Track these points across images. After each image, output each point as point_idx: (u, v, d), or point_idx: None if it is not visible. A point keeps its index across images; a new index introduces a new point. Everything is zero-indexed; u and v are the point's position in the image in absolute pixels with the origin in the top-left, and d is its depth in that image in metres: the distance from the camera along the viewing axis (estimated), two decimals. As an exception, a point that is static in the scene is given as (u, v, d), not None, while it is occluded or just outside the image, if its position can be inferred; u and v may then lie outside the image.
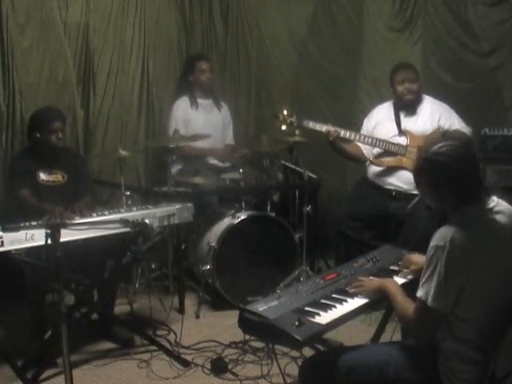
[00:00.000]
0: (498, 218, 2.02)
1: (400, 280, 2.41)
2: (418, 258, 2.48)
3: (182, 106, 4.62)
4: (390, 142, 4.01)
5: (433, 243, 1.96)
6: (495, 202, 2.06)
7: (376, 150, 4.10)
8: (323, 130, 4.02)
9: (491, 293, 1.96)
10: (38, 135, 3.50)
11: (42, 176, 3.56)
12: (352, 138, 4.06)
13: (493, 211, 2.02)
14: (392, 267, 2.57)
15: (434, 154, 2.02)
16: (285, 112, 4.08)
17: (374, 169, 4.13)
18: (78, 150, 4.39)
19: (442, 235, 1.95)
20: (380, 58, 4.96)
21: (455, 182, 2.00)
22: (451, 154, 1.99)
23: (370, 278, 2.41)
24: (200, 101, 4.67)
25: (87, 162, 4.22)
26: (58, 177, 3.61)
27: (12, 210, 3.70)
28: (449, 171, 1.99)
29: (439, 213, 2.05)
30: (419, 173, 2.08)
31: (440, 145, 2.02)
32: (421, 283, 1.99)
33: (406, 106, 4.08)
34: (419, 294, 1.99)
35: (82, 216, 3.22)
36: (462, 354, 1.99)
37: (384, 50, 4.97)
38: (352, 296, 2.28)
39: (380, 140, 4.01)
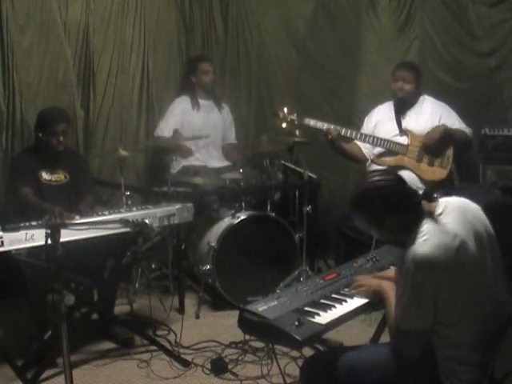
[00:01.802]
0: (451, 218, 2.01)
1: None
2: (392, 273, 2.40)
3: (180, 105, 4.63)
4: (391, 141, 4.01)
5: (398, 267, 2.01)
6: (443, 205, 2.06)
7: (377, 150, 4.11)
8: (324, 128, 4.02)
9: (468, 293, 1.95)
10: (41, 135, 3.51)
11: (45, 176, 3.57)
12: (353, 136, 4.07)
13: (443, 215, 2.02)
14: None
15: (358, 196, 2.07)
16: (285, 110, 4.08)
17: (374, 169, 4.13)
18: (78, 149, 4.39)
19: (405, 259, 1.96)
20: (379, 57, 4.96)
21: (398, 206, 2.03)
22: (381, 183, 2.05)
23: (372, 276, 2.39)
24: (201, 101, 4.67)
25: (88, 161, 4.22)
26: (60, 176, 3.62)
27: (13, 209, 3.71)
28: (387, 199, 2.03)
29: (407, 238, 2.07)
30: (356, 216, 2.10)
31: (364, 184, 2.09)
32: (395, 304, 2.03)
33: (399, 104, 4.09)
34: (396, 313, 2.01)
35: (87, 215, 3.22)
36: (460, 356, 1.99)
37: (383, 49, 4.97)
38: (352, 296, 2.28)
39: (381, 139, 4.02)
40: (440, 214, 2.03)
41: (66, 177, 3.64)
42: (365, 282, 2.32)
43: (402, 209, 2.03)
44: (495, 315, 1.99)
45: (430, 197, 2.08)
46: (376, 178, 2.07)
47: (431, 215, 2.03)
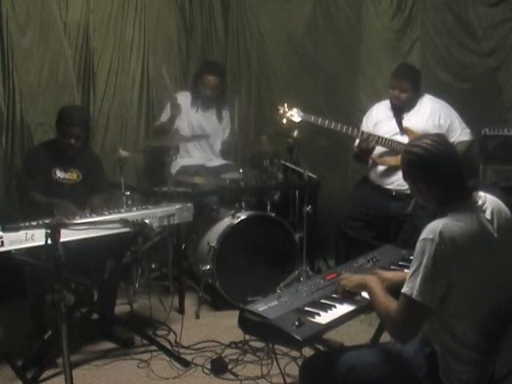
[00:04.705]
0: (487, 213, 2.03)
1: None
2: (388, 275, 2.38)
3: (179, 99, 4.60)
4: (392, 141, 4.01)
5: (421, 237, 1.96)
6: (483, 198, 2.08)
7: (377, 149, 4.10)
8: (325, 125, 4.02)
9: (483, 289, 1.95)
10: (56, 132, 3.53)
11: (58, 173, 3.58)
12: (354, 135, 4.06)
13: (480, 207, 2.04)
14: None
15: (412, 147, 2.10)
16: (286, 105, 4.08)
17: (374, 168, 4.13)
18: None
19: (431, 228, 1.95)
20: (379, 57, 4.97)
21: (432, 176, 2.03)
22: (427, 147, 2.05)
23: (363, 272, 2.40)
24: (202, 104, 4.64)
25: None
26: (72, 175, 3.63)
27: (17, 206, 3.72)
28: (424, 163, 2.04)
29: (438, 213, 2.06)
30: (402, 166, 2.15)
31: (421, 139, 2.11)
32: (407, 279, 1.97)
33: (396, 108, 4.10)
34: (404, 289, 1.96)
35: (94, 213, 3.23)
36: (462, 354, 1.98)
37: (383, 49, 4.97)
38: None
39: (383, 138, 4.01)
40: (480, 206, 2.04)
41: (78, 176, 3.64)
42: (346, 278, 2.30)
43: (437, 179, 2.04)
44: (500, 316, 1.98)
45: (476, 186, 2.10)
46: (428, 142, 2.06)
47: (472, 203, 2.04)
